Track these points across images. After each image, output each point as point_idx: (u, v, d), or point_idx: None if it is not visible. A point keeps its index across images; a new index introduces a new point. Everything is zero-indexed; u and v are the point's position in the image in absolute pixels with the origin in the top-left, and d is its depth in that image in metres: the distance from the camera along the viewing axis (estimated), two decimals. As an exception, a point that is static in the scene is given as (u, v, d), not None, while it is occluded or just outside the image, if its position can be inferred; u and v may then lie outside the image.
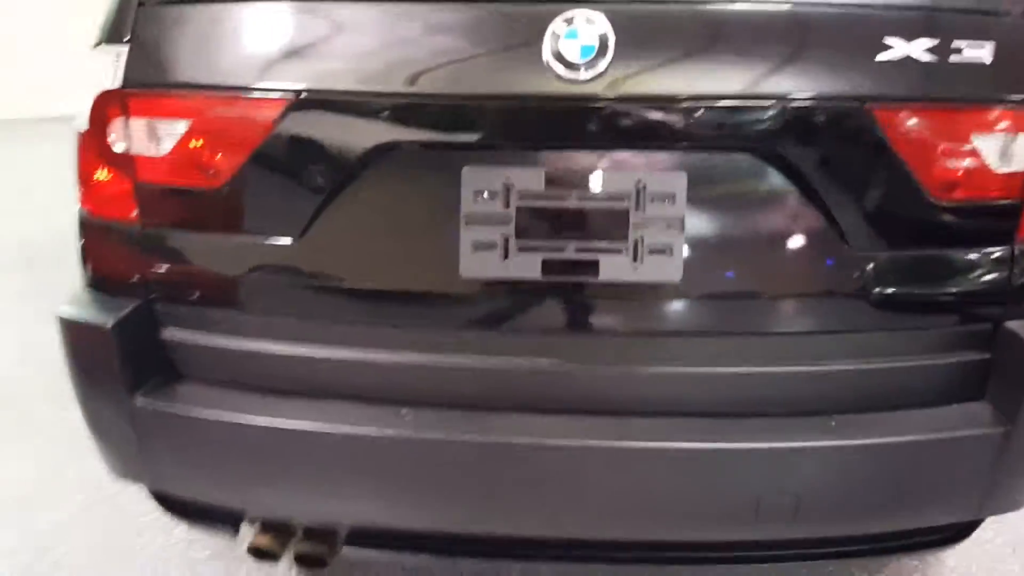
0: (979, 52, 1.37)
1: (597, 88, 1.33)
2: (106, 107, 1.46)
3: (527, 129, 1.37)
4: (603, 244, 1.38)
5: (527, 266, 1.39)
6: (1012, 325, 1.46)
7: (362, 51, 1.39)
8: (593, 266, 1.39)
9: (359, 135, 1.38)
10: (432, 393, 1.45)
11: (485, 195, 1.38)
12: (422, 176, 1.41)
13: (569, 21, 1.33)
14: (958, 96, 1.38)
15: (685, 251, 1.38)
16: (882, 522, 1.52)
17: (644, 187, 1.37)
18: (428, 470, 1.44)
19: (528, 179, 1.38)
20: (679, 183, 1.37)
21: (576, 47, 1.32)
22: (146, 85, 1.44)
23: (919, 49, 1.35)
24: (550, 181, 1.38)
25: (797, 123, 1.36)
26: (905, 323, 1.46)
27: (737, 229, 1.40)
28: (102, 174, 1.50)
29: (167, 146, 1.44)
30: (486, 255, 1.39)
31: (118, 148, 1.47)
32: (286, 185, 1.42)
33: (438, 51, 1.37)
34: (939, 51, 1.35)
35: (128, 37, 1.45)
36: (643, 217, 1.37)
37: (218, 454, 1.51)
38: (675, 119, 1.36)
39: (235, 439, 1.48)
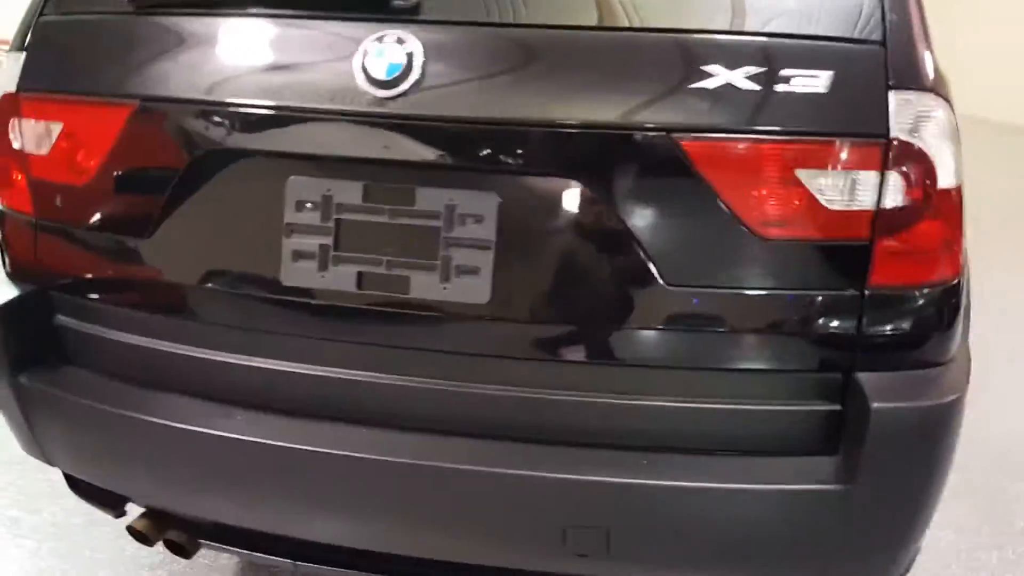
0: (811, 82, 1.27)
1: (403, 107, 1.33)
2: (5, 109, 1.60)
3: (345, 143, 1.39)
4: (414, 261, 1.38)
5: (343, 279, 1.41)
6: (861, 376, 1.35)
7: (197, 63, 1.46)
8: (404, 282, 1.39)
9: (194, 142, 1.45)
10: (264, 396, 1.49)
11: (307, 206, 1.41)
12: (255, 184, 1.46)
13: (380, 39, 1.34)
14: (781, 129, 1.28)
15: (494, 273, 1.36)
16: (707, 571, 1.43)
17: (455, 207, 1.36)
18: (250, 471, 1.48)
19: (347, 192, 1.39)
20: (489, 205, 1.35)
21: (383, 65, 1.34)
22: (34, 90, 1.57)
23: (741, 78, 1.27)
24: (367, 196, 1.39)
25: (602, 152, 1.32)
26: (735, 365, 1.37)
27: (549, 255, 1.37)
28: (7, 169, 1.64)
29: (48, 145, 1.56)
30: (306, 265, 1.42)
31: (16, 146, 1.61)
32: (138, 186, 1.51)
33: (266, 65, 1.43)
34: (764, 80, 1.27)
35: (25, 46, 1.58)
36: (453, 237, 1.36)
37: (83, 437, 1.62)
38: (482, 141, 1.34)
39: (97, 425, 1.57)
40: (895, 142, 1.28)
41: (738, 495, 1.34)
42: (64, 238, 1.61)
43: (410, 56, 1.33)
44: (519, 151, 1.35)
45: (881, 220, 1.31)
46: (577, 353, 1.40)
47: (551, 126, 1.32)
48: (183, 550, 1.72)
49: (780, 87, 1.27)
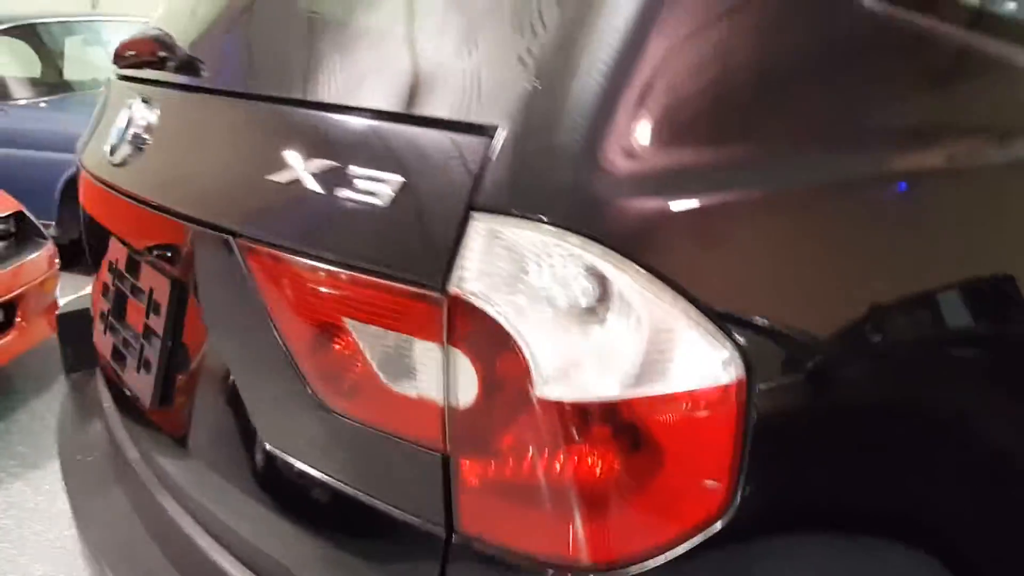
0: (377, 187, 0.82)
1: (116, 177, 1.24)
2: None
3: (112, 212, 1.33)
4: (134, 341, 1.27)
5: (107, 346, 1.37)
6: None
7: None
8: (123, 362, 1.29)
9: None
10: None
11: (110, 268, 1.39)
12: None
13: (130, 105, 1.26)
14: (335, 255, 0.85)
15: (160, 373, 1.18)
16: None
17: (152, 291, 1.21)
18: None
19: (121, 261, 1.34)
20: (162, 293, 1.17)
21: (116, 131, 1.27)
22: None
23: (310, 172, 0.88)
24: (128, 266, 1.31)
25: (190, 252, 1.06)
26: None
27: (195, 367, 1.13)
28: None
29: None
30: (100, 326, 1.41)
31: None
32: None
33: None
34: (331, 179, 0.86)
35: None
36: (147, 324, 1.21)
37: None
38: (151, 221, 1.17)
39: None
40: (457, 300, 0.76)
41: None
42: None
43: (130, 121, 1.23)
44: (167, 239, 1.15)
45: (455, 425, 0.79)
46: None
47: (175, 215, 1.08)
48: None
49: (345, 192, 0.85)
